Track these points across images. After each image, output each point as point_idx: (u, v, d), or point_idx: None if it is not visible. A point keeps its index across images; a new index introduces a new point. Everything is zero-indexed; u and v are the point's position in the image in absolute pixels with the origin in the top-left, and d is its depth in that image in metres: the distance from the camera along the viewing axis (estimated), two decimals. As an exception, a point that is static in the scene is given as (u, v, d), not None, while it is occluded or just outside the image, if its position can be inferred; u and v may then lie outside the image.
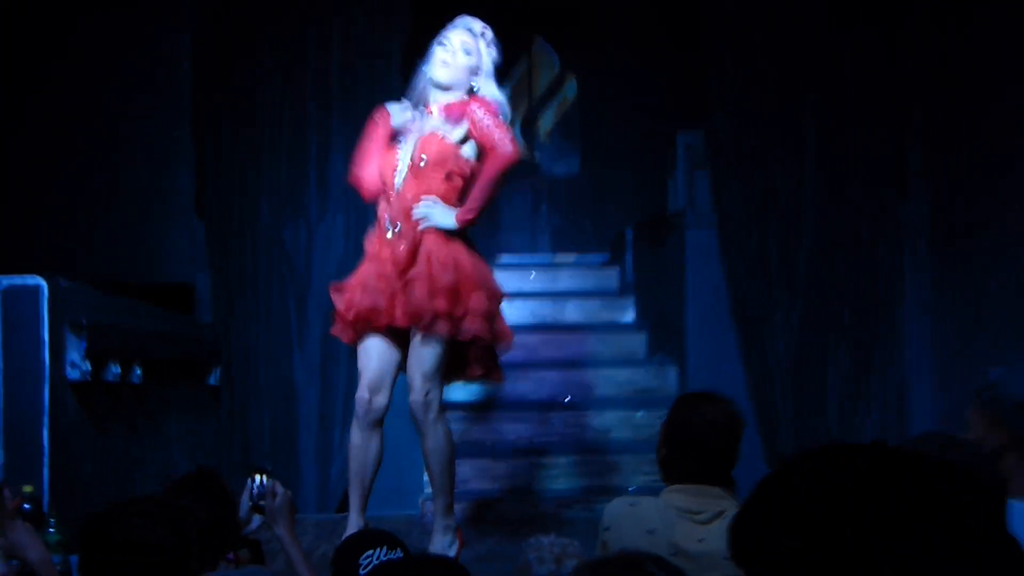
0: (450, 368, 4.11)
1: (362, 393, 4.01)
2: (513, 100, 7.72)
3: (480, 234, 7.36)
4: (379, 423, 4.08)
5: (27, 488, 3.47)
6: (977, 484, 1.03)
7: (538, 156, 7.64)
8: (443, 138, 3.92)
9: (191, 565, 2.29)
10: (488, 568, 4.25)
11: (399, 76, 5.56)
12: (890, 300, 5.67)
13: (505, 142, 3.90)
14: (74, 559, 2.67)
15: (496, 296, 4.09)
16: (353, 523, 4.10)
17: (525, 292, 6.49)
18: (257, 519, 2.83)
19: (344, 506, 5.59)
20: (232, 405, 5.48)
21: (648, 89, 7.53)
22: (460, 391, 5.86)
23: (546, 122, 7.63)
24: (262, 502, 2.62)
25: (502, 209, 7.73)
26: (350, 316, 4.01)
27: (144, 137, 5.58)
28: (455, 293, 3.86)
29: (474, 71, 4.01)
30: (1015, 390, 2.63)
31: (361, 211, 5.61)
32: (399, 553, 2.49)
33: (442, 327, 3.86)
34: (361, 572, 2.42)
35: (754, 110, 5.69)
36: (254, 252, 5.57)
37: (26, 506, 3.42)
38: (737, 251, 5.68)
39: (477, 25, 4.06)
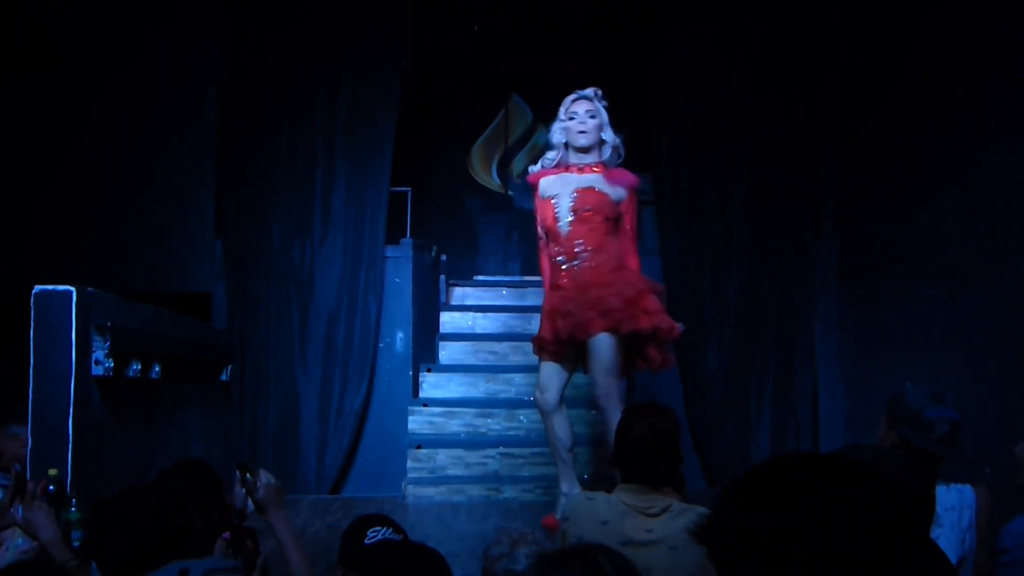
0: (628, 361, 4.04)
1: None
2: (491, 145, 7.66)
3: (461, 257, 7.25)
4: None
5: (52, 471, 3.24)
6: (911, 495, 0.95)
7: (511, 193, 7.58)
8: (599, 191, 4.04)
9: (186, 546, 2.11)
10: (458, 543, 4.07)
11: (395, 115, 5.46)
12: (804, 325, 5.59)
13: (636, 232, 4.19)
14: (91, 536, 2.47)
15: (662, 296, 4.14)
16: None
17: (497, 306, 6.36)
18: (251, 506, 2.64)
19: (336, 488, 5.40)
20: (242, 400, 5.27)
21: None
22: (436, 390, 5.70)
23: (519, 164, 7.52)
24: (253, 493, 2.44)
25: (480, 237, 7.60)
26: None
27: (174, 171, 5.47)
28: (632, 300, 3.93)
29: (600, 127, 4.09)
30: (916, 403, 2.56)
31: (357, 234, 5.48)
32: (399, 537, 2.42)
33: (626, 326, 3.88)
34: (366, 541, 2.36)
35: (692, 165, 5.60)
36: (266, 267, 5.40)
37: (51, 488, 3.21)
38: (677, 279, 5.58)
39: (589, 91, 4.13)
